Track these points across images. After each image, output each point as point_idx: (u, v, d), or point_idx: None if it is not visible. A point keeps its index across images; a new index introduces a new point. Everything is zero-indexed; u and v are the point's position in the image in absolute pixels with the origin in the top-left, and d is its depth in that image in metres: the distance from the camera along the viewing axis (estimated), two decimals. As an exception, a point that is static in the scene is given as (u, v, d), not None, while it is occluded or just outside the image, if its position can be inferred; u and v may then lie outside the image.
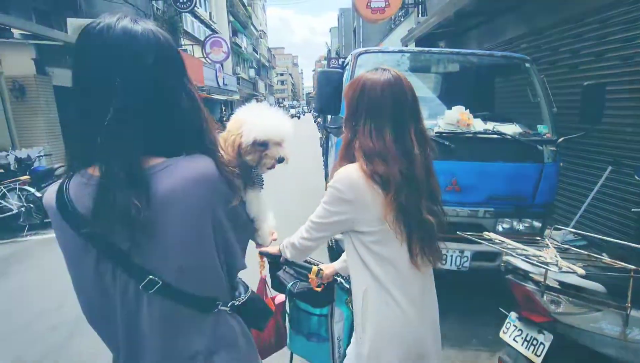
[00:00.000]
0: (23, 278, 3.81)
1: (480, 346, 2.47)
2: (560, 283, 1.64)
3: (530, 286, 1.65)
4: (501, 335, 1.78)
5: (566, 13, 3.98)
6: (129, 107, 0.67)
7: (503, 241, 1.77)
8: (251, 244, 1.27)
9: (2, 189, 5.15)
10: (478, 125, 2.71)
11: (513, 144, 2.62)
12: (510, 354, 1.73)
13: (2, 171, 5.33)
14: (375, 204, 1.07)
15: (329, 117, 3.08)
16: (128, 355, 0.77)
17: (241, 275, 0.92)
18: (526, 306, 1.68)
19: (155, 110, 0.71)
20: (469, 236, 1.87)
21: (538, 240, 1.94)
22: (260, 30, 46.24)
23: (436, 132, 2.60)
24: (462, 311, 2.74)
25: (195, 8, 14.00)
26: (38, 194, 5.23)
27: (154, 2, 12.84)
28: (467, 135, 2.63)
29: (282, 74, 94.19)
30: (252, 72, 35.07)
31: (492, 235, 1.85)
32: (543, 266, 1.49)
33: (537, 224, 2.68)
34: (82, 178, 0.71)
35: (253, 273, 1.62)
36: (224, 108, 23.32)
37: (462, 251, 2.64)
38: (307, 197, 6.16)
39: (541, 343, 1.62)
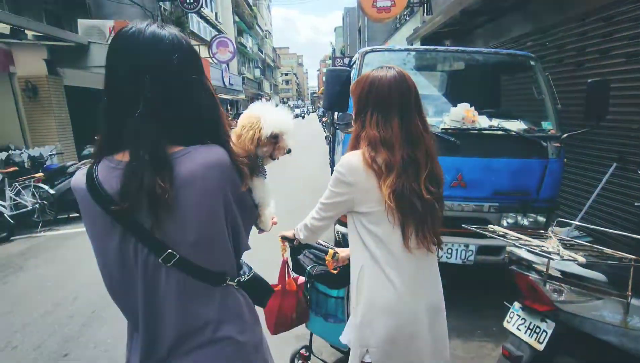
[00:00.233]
0: (39, 272, 3.93)
1: (484, 337, 2.53)
2: (563, 272, 1.69)
3: (533, 276, 1.70)
4: (505, 324, 1.83)
5: (571, 11, 4.00)
6: (156, 101, 0.76)
7: (507, 233, 1.82)
8: (273, 233, 1.37)
9: (17, 187, 5.30)
10: (483, 122, 2.77)
11: (518, 140, 2.67)
12: (513, 342, 1.78)
13: (17, 169, 5.46)
14: (373, 188, 1.16)
15: (336, 114, 3.14)
16: (147, 323, 0.85)
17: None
18: (529, 296, 1.73)
19: (178, 104, 0.80)
20: (474, 229, 1.92)
21: (542, 233, 1.99)
22: (265, 31, 46.41)
23: (442, 129, 2.66)
24: (467, 304, 2.80)
25: (202, 9, 14.14)
26: (52, 191, 5.37)
27: (161, 3, 12.99)
28: (472, 132, 2.68)
29: (287, 74, 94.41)
30: (257, 72, 35.24)
31: (497, 228, 1.91)
32: (545, 255, 1.54)
33: (541, 219, 2.73)
34: (110, 163, 0.80)
35: (276, 256, 1.74)
36: (229, 107, 23.49)
37: (467, 245, 2.69)
38: (314, 192, 6.24)
39: (544, 330, 1.67)
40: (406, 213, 1.16)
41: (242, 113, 1.17)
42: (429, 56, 3.44)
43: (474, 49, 3.22)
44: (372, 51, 3.05)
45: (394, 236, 1.18)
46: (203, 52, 16.52)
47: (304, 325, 1.94)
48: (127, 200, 0.75)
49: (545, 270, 1.65)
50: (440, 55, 3.44)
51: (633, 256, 1.52)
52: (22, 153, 6.06)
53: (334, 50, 37.11)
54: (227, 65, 18.45)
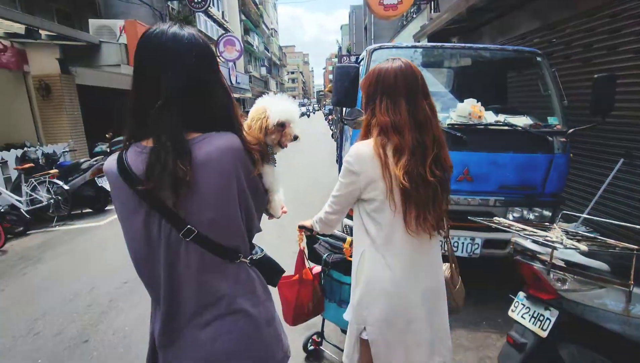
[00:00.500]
0: (56, 264, 4.06)
1: (489, 328, 2.58)
2: (566, 262, 1.73)
3: (537, 265, 1.74)
4: (510, 313, 1.88)
5: (578, 7, 4.01)
6: (175, 93, 0.85)
7: (512, 225, 1.88)
8: (283, 222, 1.44)
9: (32, 183, 5.45)
10: (489, 117, 2.80)
11: (523, 135, 2.70)
12: (518, 330, 1.83)
13: (32, 165, 5.61)
14: (378, 177, 1.22)
15: (344, 111, 3.21)
16: (168, 295, 0.92)
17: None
18: (534, 285, 1.78)
19: (196, 96, 0.89)
20: (479, 220, 1.98)
21: (547, 225, 2.03)
22: (272, 29, 46.48)
23: (448, 125, 2.71)
24: (473, 297, 2.83)
25: (209, 8, 14.25)
26: (66, 187, 5.51)
27: (169, 2, 13.12)
28: (478, 127, 2.72)
29: (293, 72, 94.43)
30: (263, 71, 35.36)
31: (502, 220, 1.96)
32: (549, 243, 1.59)
33: (547, 213, 2.76)
34: (137, 148, 0.89)
35: (286, 244, 1.81)
36: (236, 106, 23.55)
37: (473, 239, 2.74)
38: (320, 188, 6.31)
39: (547, 318, 1.72)
40: (410, 196, 1.20)
41: (249, 111, 1.25)
42: (436, 53, 3.48)
43: (481, 46, 3.26)
44: (380, 48, 3.10)
45: (395, 224, 1.24)
46: (210, 50, 16.63)
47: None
48: (151, 181, 0.84)
49: (549, 259, 1.69)
50: (447, 51, 3.48)
51: (636, 246, 1.56)
52: (37, 150, 6.22)
53: (340, 48, 37.04)
54: (234, 64, 18.58)
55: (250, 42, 29.14)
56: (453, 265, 1.65)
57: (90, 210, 6.15)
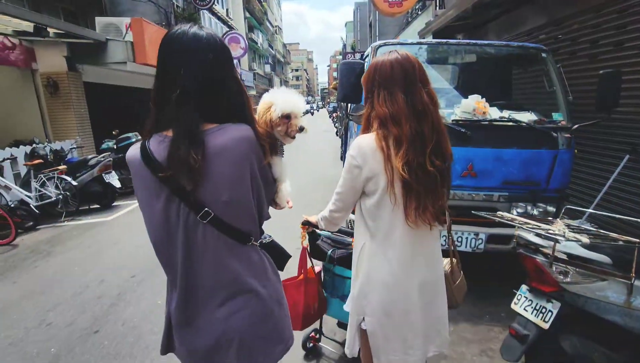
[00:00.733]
0: (66, 257, 4.14)
1: (492, 322, 2.61)
2: (569, 255, 1.76)
3: (540, 258, 1.77)
4: (512, 306, 1.91)
5: (585, 3, 3.99)
6: (193, 88, 0.92)
7: (515, 219, 1.90)
8: (294, 222, 1.47)
9: (41, 178, 5.54)
10: (494, 113, 2.82)
11: (528, 131, 2.71)
12: (520, 322, 1.85)
13: (41, 161, 5.70)
14: (379, 170, 1.22)
15: (349, 108, 3.23)
16: (185, 274, 0.99)
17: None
18: (536, 278, 1.80)
19: (212, 91, 0.96)
20: (483, 215, 2.01)
21: (550, 219, 2.05)
22: (276, 26, 46.41)
23: (453, 120, 2.72)
24: (477, 292, 2.87)
25: (213, 5, 14.29)
26: (74, 183, 5.60)
27: (174, 0, 13.18)
28: (483, 123, 2.74)
29: (297, 70, 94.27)
30: (267, 68, 35.34)
31: (505, 214, 1.98)
32: (551, 236, 1.61)
33: (551, 209, 2.77)
34: (159, 137, 0.96)
35: (296, 243, 1.85)
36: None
37: (476, 234, 2.76)
38: (324, 184, 6.34)
39: (549, 310, 1.74)
40: (410, 186, 1.20)
41: (255, 108, 1.30)
42: (441, 49, 3.49)
43: (486, 42, 3.26)
44: (385, 44, 3.12)
45: (395, 217, 1.25)
46: (215, 48, 16.67)
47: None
48: (171, 168, 0.91)
49: (551, 252, 1.72)
50: (452, 48, 3.48)
51: (637, 239, 1.58)
52: (46, 146, 6.31)
53: (344, 45, 36.91)
54: (239, 61, 18.60)
55: (254, 40, 29.15)
56: (454, 260, 1.67)
57: (98, 206, 6.24)
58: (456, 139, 2.59)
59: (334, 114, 22.50)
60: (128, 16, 8.98)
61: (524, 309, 1.85)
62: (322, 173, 7.95)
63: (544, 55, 3.01)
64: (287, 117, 1.19)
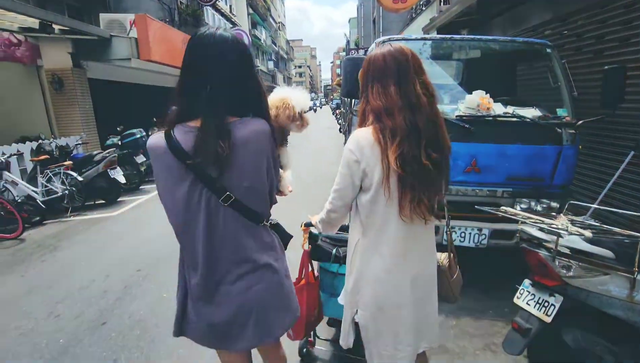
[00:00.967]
0: (73, 252, 4.20)
1: (496, 316, 2.62)
2: (571, 249, 1.76)
3: (543, 252, 1.78)
4: (515, 300, 1.92)
5: (591, -1, 3.96)
6: (219, 85, 1.03)
7: (518, 213, 1.91)
8: (296, 221, 1.50)
9: (48, 174, 5.59)
10: (498, 109, 2.81)
11: (532, 127, 2.71)
12: (523, 316, 1.87)
13: (47, 157, 5.76)
14: (376, 164, 1.20)
15: (353, 103, 3.25)
16: (207, 252, 1.10)
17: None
18: (539, 272, 1.81)
19: (236, 87, 1.07)
20: (486, 210, 2.02)
21: (553, 214, 2.06)
22: (279, 23, 46.31)
23: (457, 116, 2.72)
24: (480, 287, 2.89)
25: (217, 1, 14.27)
26: (80, 178, 5.65)
27: (178, -4, 13.17)
28: (487, 118, 2.74)
29: (300, 66, 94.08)
30: (270, 65, 35.30)
31: (508, 209, 1.99)
32: (554, 230, 1.62)
33: (554, 205, 2.77)
34: (185, 128, 1.05)
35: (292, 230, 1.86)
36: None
37: (480, 229, 2.77)
38: (328, 181, 6.34)
39: (552, 304, 1.76)
40: (405, 180, 1.18)
41: None
42: (445, 45, 3.48)
43: (490, 38, 3.25)
44: (389, 40, 3.12)
45: (389, 212, 1.25)
46: (218, 44, 16.65)
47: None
48: (199, 156, 1.01)
49: (554, 247, 1.73)
50: (456, 43, 3.47)
51: (640, 234, 1.58)
52: (51, 142, 6.37)
53: (348, 42, 36.69)
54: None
55: (257, 36, 29.11)
56: (452, 254, 1.67)
57: (103, 201, 6.30)
58: (460, 135, 2.60)
59: (338, 111, 22.45)
60: (132, 12, 8.99)
61: (527, 303, 1.87)
62: (326, 170, 7.96)
63: (548, 50, 3.00)
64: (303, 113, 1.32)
